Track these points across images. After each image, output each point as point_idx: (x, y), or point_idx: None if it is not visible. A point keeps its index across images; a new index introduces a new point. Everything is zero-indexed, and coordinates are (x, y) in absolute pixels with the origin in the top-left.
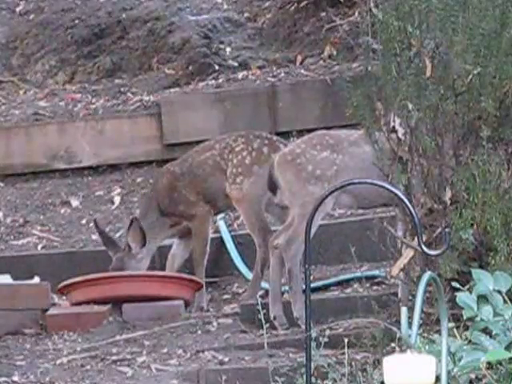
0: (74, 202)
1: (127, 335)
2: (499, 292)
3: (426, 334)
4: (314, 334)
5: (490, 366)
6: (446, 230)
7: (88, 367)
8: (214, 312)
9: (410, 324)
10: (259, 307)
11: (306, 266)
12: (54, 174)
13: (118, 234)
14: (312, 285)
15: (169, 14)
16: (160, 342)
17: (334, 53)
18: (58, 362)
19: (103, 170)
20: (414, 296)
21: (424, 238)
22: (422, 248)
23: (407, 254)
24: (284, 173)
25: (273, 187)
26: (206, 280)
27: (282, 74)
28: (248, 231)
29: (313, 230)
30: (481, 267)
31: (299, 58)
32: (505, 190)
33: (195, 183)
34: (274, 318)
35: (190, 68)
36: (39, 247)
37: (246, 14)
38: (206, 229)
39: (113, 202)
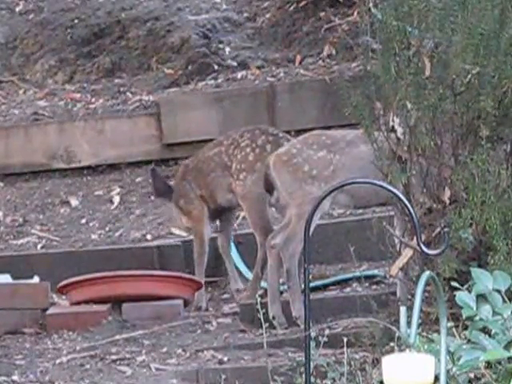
0: (74, 202)
1: (127, 334)
2: (498, 291)
3: (425, 334)
4: (313, 334)
5: (488, 365)
6: (445, 229)
7: (87, 366)
8: (214, 311)
9: (409, 323)
10: (258, 307)
11: (305, 266)
12: (54, 173)
13: (117, 234)
14: (311, 284)
15: (168, 13)
16: (159, 342)
17: (333, 52)
18: (58, 361)
19: (102, 169)
20: (413, 295)
21: (423, 238)
22: (420, 247)
23: (406, 253)
24: (280, 173)
25: (269, 187)
26: (206, 279)
27: (281, 74)
28: (248, 230)
29: (310, 230)
30: (480, 266)
31: (298, 57)
32: (504, 190)
33: (199, 178)
34: (273, 318)
35: (190, 68)
36: (39, 247)
37: (245, 14)
38: (201, 228)
39: (112, 202)
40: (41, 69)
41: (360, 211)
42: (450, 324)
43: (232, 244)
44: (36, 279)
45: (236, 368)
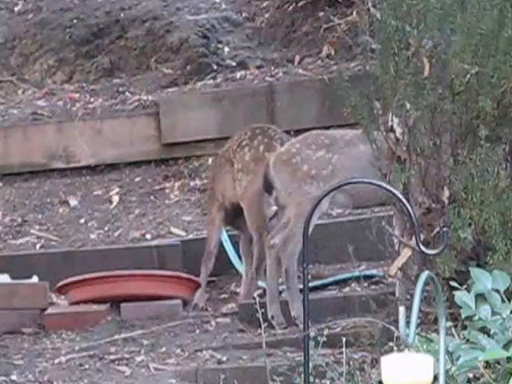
0: (73, 202)
1: (125, 334)
2: (497, 291)
3: (423, 334)
4: (311, 334)
5: (487, 365)
6: (444, 229)
7: (86, 366)
8: (212, 311)
9: (407, 323)
10: (257, 306)
11: (304, 265)
12: (53, 173)
13: (116, 233)
14: (310, 284)
15: (167, 13)
16: (158, 342)
17: (332, 52)
18: (57, 361)
19: (101, 169)
20: (411, 295)
21: (422, 238)
22: (419, 247)
23: (405, 253)
24: (279, 173)
25: (268, 187)
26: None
27: (280, 74)
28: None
29: (309, 230)
30: (479, 266)
31: (297, 57)
32: (503, 189)
33: (216, 174)
34: (272, 318)
35: (189, 67)
36: (38, 246)
37: (244, 14)
38: (211, 230)
39: (111, 202)
40: (40, 69)
41: (359, 211)
42: (449, 324)
43: (230, 244)
44: (35, 279)
45: (235, 368)
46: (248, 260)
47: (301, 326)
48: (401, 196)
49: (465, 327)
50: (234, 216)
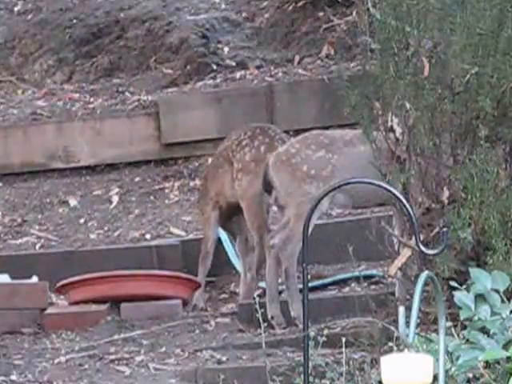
0: (72, 202)
1: (125, 334)
2: (497, 291)
3: (423, 334)
4: (311, 334)
5: (487, 365)
6: (444, 229)
7: (86, 366)
8: (212, 311)
9: (407, 323)
10: (257, 306)
11: (304, 266)
12: (52, 173)
13: (116, 233)
14: (309, 284)
15: (167, 13)
16: (158, 342)
17: (332, 52)
18: (56, 361)
19: (101, 169)
20: (411, 295)
21: (422, 238)
22: (419, 247)
23: (405, 253)
24: (279, 173)
25: (268, 187)
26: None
27: (280, 74)
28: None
29: (309, 230)
30: (478, 266)
31: (297, 57)
32: (502, 190)
33: (213, 174)
34: (272, 318)
35: (188, 67)
36: (37, 246)
37: (243, 14)
38: (207, 229)
39: (111, 202)
40: (39, 69)
41: (359, 211)
42: (449, 324)
43: (230, 244)
44: (34, 279)
45: (235, 368)
46: (245, 260)
47: (300, 326)
48: (400, 196)
49: (464, 327)
50: (227, 216)
